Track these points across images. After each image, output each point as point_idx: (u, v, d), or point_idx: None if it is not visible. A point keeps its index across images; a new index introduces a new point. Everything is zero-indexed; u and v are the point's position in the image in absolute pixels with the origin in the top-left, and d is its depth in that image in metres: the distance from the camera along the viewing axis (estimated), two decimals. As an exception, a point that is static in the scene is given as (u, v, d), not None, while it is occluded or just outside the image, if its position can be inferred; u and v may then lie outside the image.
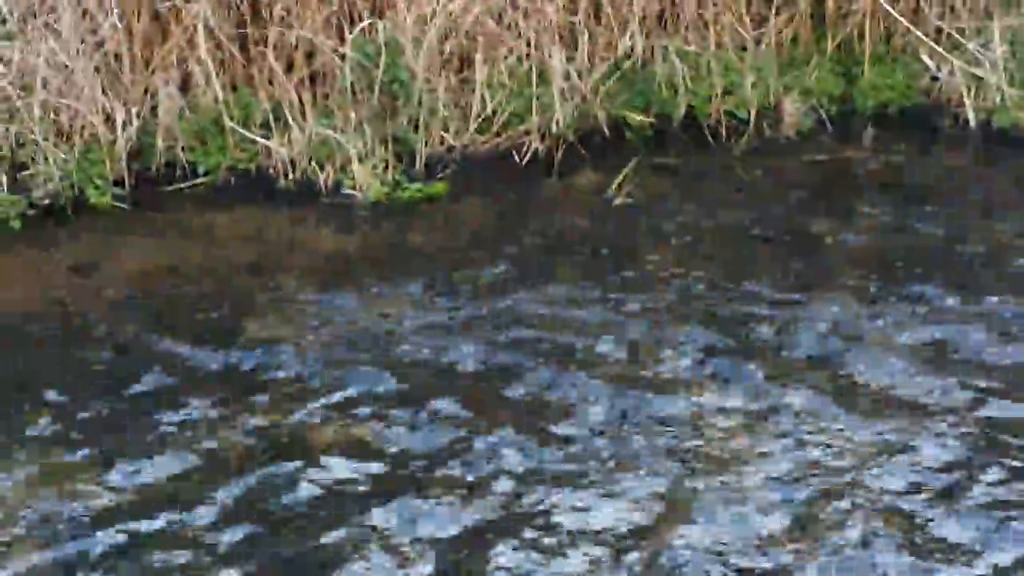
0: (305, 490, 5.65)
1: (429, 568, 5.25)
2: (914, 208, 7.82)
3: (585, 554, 5.33)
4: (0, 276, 7.16)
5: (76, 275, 7.14)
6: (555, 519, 5.51)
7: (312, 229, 7.63)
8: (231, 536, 5.39)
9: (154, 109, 8.00)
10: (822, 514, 5.53)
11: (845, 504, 5.57)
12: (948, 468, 5.77)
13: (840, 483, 5.72)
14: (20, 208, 7.59)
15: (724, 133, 8.47)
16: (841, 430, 6.02)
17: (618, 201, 7.86)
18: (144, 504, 5.55)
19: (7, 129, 7.74)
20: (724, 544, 5.36)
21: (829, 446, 5.94)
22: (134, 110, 7.86)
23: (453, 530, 5.44)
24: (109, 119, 7.82)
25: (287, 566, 5.27)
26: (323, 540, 5.37)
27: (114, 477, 5.70)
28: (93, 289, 7.02)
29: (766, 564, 5.27)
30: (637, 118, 8.42)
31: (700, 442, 5.95)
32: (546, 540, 5.41)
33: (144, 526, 5.43)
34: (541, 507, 5.59)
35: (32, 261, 7.30)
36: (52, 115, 7.80)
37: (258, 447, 5.90)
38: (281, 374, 6.38)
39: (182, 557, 5.28)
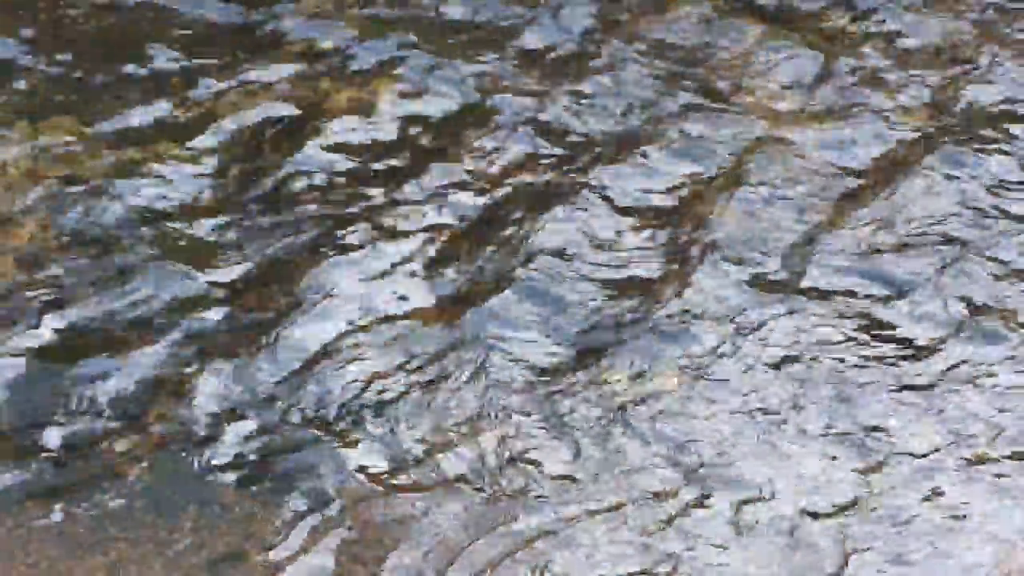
0: (318, 156, 5.32)
1: (452, 226, 5.01)
2: None
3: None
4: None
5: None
6: (593, 190, 5.25)
7: None
8: (244, 204, 5.10)
9: None
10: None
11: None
12: None
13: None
14: None
15: None
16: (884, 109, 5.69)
17: None
18: (153, 167, 5.22)
19: None
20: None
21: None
22: None
23: (472, 193, 5.17)
24: None
25: (301, 242, 5.00)
26: (333, 211, 5.09)
27: (111, 141, 5.33)
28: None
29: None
30: None
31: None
32: (587, 213, 5.14)
33: (153, 192, 5.12)
34: (584, 176, 5.31)
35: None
36: None
37: (262, 113, 5.52)
38: (287, 33, 5.92)
39: (198, 226, 5.00)
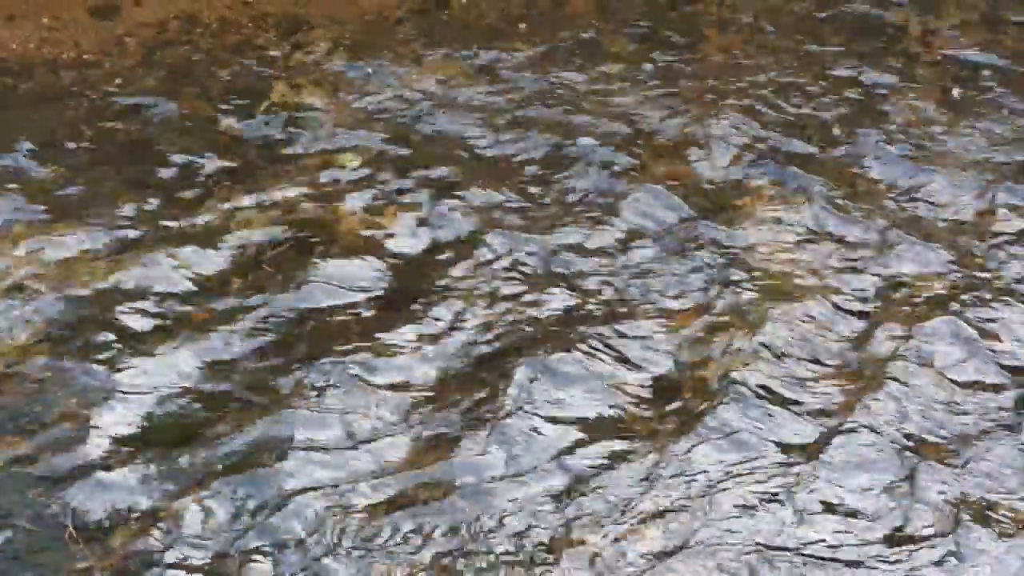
0: (320, 281, 5.29)
1: (438, 371, 4.93)
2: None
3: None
4: (15, 9, 6.64)
5: (96, 18, 6.64)
6: (585, 322, 5.17)
7: (350, -22, 7.07)
8: (248, 323, 5.07)
9: None
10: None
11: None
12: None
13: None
14: (41, -65, 7.05)
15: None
16: (904, 259, 5.61)
17: (684, -29, 7.25)
18: (146, 288, 5.21)
19: None
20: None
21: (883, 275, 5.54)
22: None
23: (466, 339, 5.10)
24: None
25: (293, 371, 4.94)
26: (329, 347, 5.04)
27: (116, 248, 5.33)
28: (113, 36, 6.52)
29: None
30: None
31: (748, 260, 5.54)
32: (581, 346, 5.07)
33: (149, 305, 5.10)
34: (572, 313, 5.23)
35: (50, -2, 6.79)
36: None
37: (278, 227, 5.51)
38: (304, 148, 5.94)
39: (188, 341, 4.96)
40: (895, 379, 5.04)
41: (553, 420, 4.82)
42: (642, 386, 5.00)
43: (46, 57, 6.34)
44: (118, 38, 6.51)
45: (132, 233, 5.41)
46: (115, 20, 6.63)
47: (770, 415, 4.92)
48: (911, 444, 4.83)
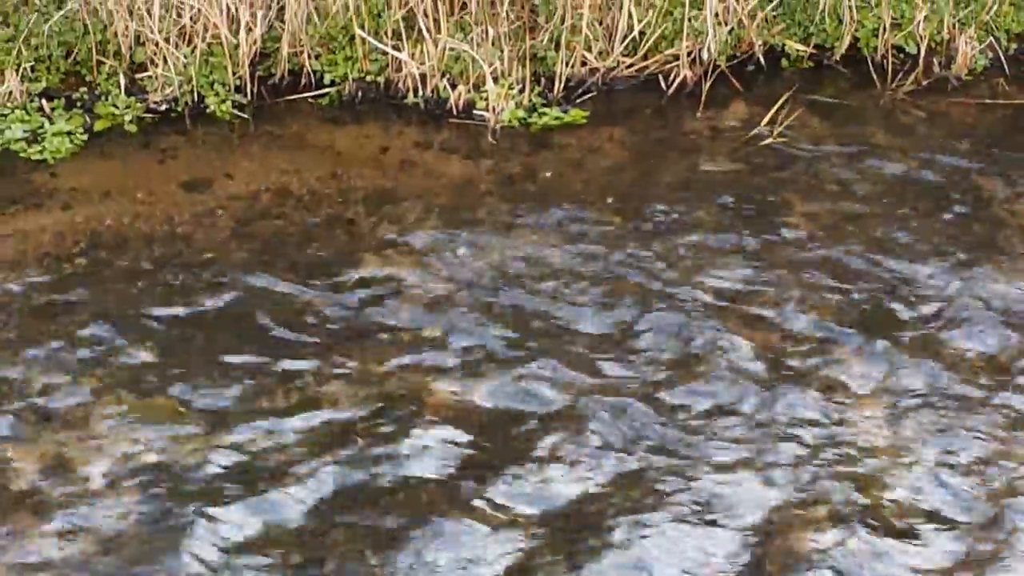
0: (407, 455, 5.29)
1: (533, 540, 4.90)
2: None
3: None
4: (111, 185, 6.80)
5: (188, 192, 6.77)
6: (671, 495, 5.14)
7: (438, 153, 7.16)
8: (327, 504, 5.07)
9: (281, 12, 7.54)
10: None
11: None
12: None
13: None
14: (136, 111, 7.23)
15: (889, 70, 7.79)
16: (988, 439, 5.51)
17: (769, 140, 7.28)
18: (238, 461, 5.24)
19: (126, 27, 7.36)
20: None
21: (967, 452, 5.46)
22: (259, 13, 7.42)
23: (555, 509, 5.07)
24: (233, 20, 7.38)
25: (383, 539, 4.93)
26: (419, 515, 5.02)
27: (208, 422, 5.39)
28: (204, 210, 6.64)
29: None
30: (796, 48, 7.79)
31: (834, 443, 5.48)
32: (662, 521, 5.01)
33: (233, 488, 5.12)
34: (657, 485, 5.19)
35: (145, 172, 6.93)
36: (173, 14, 7.38)
37: (362, 403, 5.54)
38: (393, 321, 5.98)
39: (280, 518, 4.97)
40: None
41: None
42: (732, 557, 4.96)
43: (140, 231, 6.46)
44: (210, 211, 6.62)
45: (222, 408, 5.45)
46: (207, 193, 6.75)
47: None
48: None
